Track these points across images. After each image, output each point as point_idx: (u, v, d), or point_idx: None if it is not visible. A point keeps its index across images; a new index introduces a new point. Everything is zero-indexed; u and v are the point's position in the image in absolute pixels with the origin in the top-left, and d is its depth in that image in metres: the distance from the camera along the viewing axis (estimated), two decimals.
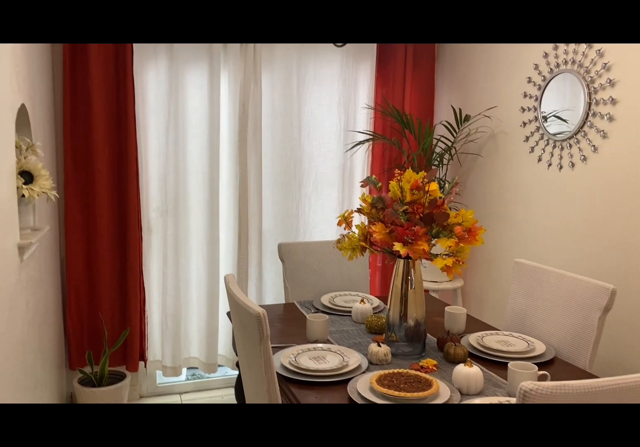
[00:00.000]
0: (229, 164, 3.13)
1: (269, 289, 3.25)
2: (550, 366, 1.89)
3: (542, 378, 1.65)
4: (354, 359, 1.83)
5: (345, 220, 1.94)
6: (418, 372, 1.68)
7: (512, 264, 2.96)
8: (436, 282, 3.11)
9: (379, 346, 1.87)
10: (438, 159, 3.14)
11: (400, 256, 1.89)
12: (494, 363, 1.90)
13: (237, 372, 3.36)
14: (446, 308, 2.19)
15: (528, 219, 2.83)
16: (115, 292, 2.97)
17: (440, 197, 1.88)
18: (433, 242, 1.88)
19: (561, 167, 2.62)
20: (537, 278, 2.22)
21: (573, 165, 2.56)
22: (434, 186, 1.86)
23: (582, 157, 2.50)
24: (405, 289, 1.92)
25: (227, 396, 3.26)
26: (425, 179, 1.87)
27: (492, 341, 2.05)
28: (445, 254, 1.83)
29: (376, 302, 2.46)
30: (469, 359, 1.67)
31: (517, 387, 1.61)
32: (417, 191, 1.87)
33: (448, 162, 3.16)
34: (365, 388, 1.62)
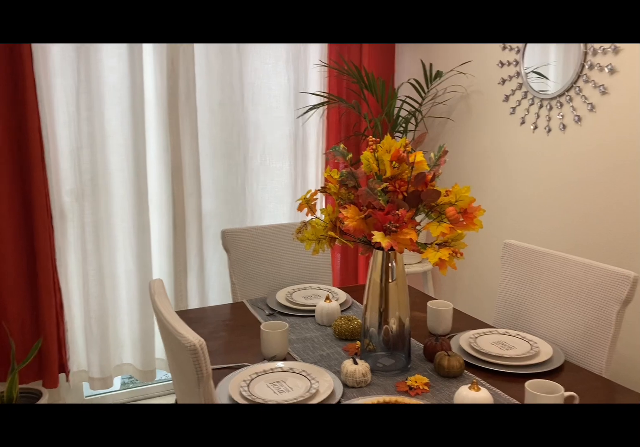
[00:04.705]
0: (157, 133, 2.60)
1: (214, 283, 2.78)
2: (560, 373, 1.55)
3: (569, 401, 1.30)
4: (325, 383, 1.42)
5: (308, 204, 1.49)
6: (414, 401, 1.29)
7: (490, 243, 2.61)
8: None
9: (355, 362, 1.46)
10: (403, 124, 2.72)
11: (380, 248, 1.47)
12: (494, 373, 1.53)
13: None
14: (428, 304, 1.81)
15: (510, 192, 2.48)
16: (23, 295, 2.43)
17: (427, 171, 1.47)
18: (419, 228, 1.47)
19: (550, 130, 2.26)
20: (533, 263, 1.86)
21: (564, 127, 2.19)
22: (420, 156, 1.44)
23: (576, 117, 2.14)
24: (385, 283, 1.51)
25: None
26: (408, 148, 1.45)
27: (486, 342, 1.69)
28: (437, 244, 1.43)
29: (342, 296, 2.05)
30: (474, 380, 1.30)
31: None
32: (398, 164, 1.45)
33: (415, 128, 2.74)
34: None
